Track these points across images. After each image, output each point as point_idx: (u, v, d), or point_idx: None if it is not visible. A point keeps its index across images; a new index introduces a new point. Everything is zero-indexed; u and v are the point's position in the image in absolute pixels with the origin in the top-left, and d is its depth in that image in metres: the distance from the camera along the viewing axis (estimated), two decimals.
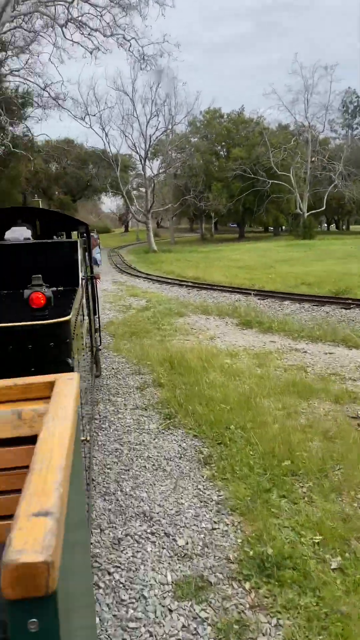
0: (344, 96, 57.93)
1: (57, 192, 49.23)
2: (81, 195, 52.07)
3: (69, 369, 2.51)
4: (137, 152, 41.92)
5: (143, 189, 55.96)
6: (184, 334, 9.10)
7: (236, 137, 58.12)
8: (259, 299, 12.37)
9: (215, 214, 63.98)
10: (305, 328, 8.89)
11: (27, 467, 0.98)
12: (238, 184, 54.21)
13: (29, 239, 4.49)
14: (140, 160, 42.22)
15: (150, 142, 41.01)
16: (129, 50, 26.10)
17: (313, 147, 52.85)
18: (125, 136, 40.55)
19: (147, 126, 41.05)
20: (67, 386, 1.24)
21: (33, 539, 0.58)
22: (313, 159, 51.72)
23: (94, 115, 39.25)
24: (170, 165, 44.73)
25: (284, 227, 70.48)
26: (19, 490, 0.94)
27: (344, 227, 76.83)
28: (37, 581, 0.54)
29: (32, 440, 1.10)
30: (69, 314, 2.57)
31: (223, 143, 60.45)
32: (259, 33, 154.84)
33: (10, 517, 0.95)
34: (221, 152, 60.99)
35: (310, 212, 52.23)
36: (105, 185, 46.86)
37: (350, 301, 10.72)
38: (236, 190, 53.63)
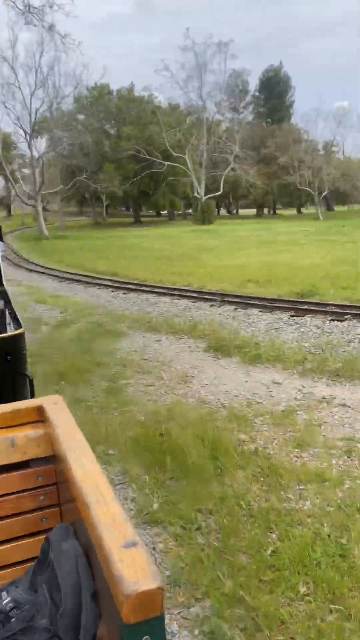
0: (229, 79, 56.59)
1: None
2: None
3: (27, 379, 2.47)
4: (21, 127, 37.02)
5: (27, 170, 50.73)
6: (140, 371, 6.13)
7: (127, 116, 54.63)
8: (211, 305, 9.65)
9: (108, 197, 60.27)
10: (308, 356, 6.35)
11: (22, 491, 1.16)
12: (132, 166, 50.99)
13: None
14: (25, 137, 37.39)
15: (35, 116, 36.36)
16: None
17: (208, 127, 51.12)
18: (6, 108, 35.25)
19: (31, 98, 36.29)
20: (59, 410, 1.24)
21: (141, 569, 0.66)
22: (209, 141, 49.96)
23: None
24: (57, 145, 40.26)
25: (179, 212, 68.68)
26: (15, 515, 1.14)
27: (235, 212, 76.84)
28: (154, 605, 0.63)
29: (25, 465, 1.20)
30: (20, 326, 2.56)
31: (113, 121, 56.62)
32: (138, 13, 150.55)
33: (8, 541, 1.15)
34: (111, 131, 57.16)
35: (208, 196, 50.62)
36: None
37: (335, 309, 8.36)
38: (130, 172, 50.36)
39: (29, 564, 1.13)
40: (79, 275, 15.97)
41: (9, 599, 0.98)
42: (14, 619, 0.93)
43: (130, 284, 13.35)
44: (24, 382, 2.53)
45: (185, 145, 50.27)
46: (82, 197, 74.56)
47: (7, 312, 3.18)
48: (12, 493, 1.18)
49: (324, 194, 54.82)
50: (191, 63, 54.64)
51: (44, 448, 1.23)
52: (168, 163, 49.38)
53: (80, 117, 52.53)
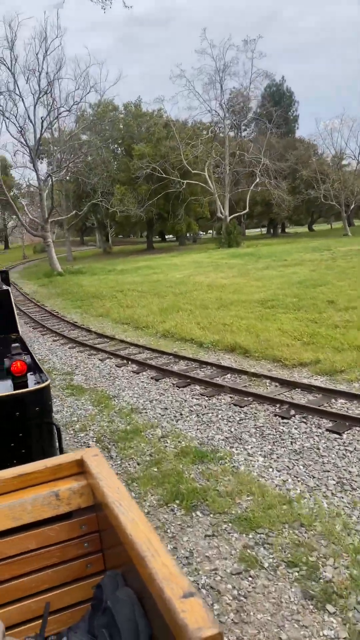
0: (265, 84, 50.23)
1: None
2: None
3: (54, 427, 2.58)
4: (24, 143, 30.37)
5: (24, 200, 44.17)
6: None
7: (136, 133, 48.40)
8: None
9: (116, 223, 53.81)
10: None
11: (67, 541, 1.22)
12: (146, 186, 44.47)
13: None
14: (30, 155, 30.68)
15: (42, 128, 29.70)
16: None
17: (230, 139, 44.96)
18: (6, 118, 28.66)
19: (35, 108, 29.70)
20: (99, 462, 1.27)
21: (201, 617, 0.72)
22: (233, 154, 43.64)
23: None
24: (61, 167, 33.62)
25: (189, 235, 62.27)
26: (63, 563, 1.21)
27: (279, 231, 69.84)
28: None
29: (68, 516, 1.24)
30: (47, 379, 2.63)
31: (120, 141, 50.39)
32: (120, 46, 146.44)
33: (58, 587, 1.21)
34: (119, 150, 50.91)
35: (233, 216, 44.15)
36: None
37: None
38: (145, 194, 43.82)
39: (77, 608, 1.19)
40: (168, 354, 8.95)
41: None
42: None
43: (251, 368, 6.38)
44: (52, 430, 2.59)
45: (204, 161, 43.94)
46: (83, 225, 68.38)
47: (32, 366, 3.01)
48: (59, 543, 1.22)
49: (352, 207, 48.68)
50: (209, 68, 48.47)
51: (86, 498, 1.26)
52: (187, 181, 42.93)
53: (83, 137, 46.17)
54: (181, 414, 6.05)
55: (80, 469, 1.32)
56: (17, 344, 2.91)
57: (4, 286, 4.74)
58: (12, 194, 31.93)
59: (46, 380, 2.63)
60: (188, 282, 19.15)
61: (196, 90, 49.70)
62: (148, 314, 12.95)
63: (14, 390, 2.56)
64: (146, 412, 6.25)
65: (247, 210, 44.77)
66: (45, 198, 31.03)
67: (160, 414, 6.15)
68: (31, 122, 29.50)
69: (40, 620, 1.17)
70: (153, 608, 0.86)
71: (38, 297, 21.05)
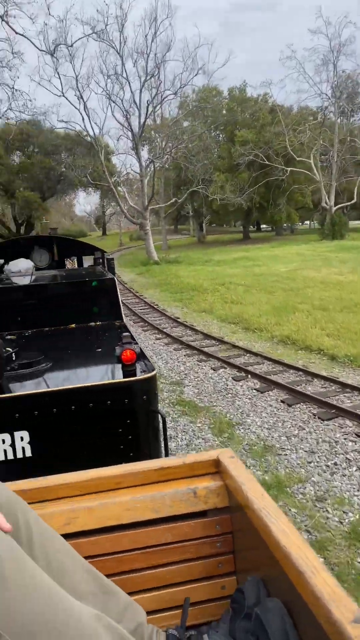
0: None
1: (21, 188, 36.58)
2: (52, 191, 39.52)
3: (159, 416, 2.61)
4: (128, 128, 29.77)
5: (122, 187, 44.02)
6: None
7: (240, 118, 46.45)
8: None
9: (212, 212, 52.43)
10: None
11: (201, 538, 1.24)
12: (247, 174, 42.52)
13: (31, 268, 4.80)
14: (134, 141, 30.03)
15: (147, 112, 28.86)
16: None
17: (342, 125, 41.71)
18: (112, 102, 28.10)
19: (141, 92, 28.90)
20: (235, 463, 1.28)
21: None
22: (343, 141, 40.44)
23: (67, 45, 26.00)
24: (163, 154, 32.65)
25: (286, 225, 59.40)
26: (196, 559, 1.24)
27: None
28: None
29: (203, 514, 1.25)
30: (154, 369, 2.66)
31: (222, 127, 48.68)
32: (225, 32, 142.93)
33: (192, 582, 1.23)
34: (220, 137, 49.27)
35: (338, 206, 41.04)
36: (84, 176, 34.49)
37: None
38: (245, 182, 41.89)
39: (209, 604, 1.22)
40: (296, 369, 7.42)
41: None
42: None
43: None
44: (157, 418, 2.63)
45: (310, 147, 41.13)
46: (178, 214, 67.80)
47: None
48: (195, 539, 1.25)
49: None
50: (323, 49, 45.20)
51: (222, 499, 1.27)
52: (291, 169, 40.43)
53: (185, 123, 45.00)
54: (335, 464, 4.51)
55: (216, 468, 1.33)
56: (127, 333, 3.02)
57: (109, 275, 4.68)
58: (113, 180, 31.57)
59: (153, 370, 2.67)
60: (296, 277, 17.32)
61: (307, 73, 46.58)
62: (259, 314, 11.43)
63: (123, 378, 2.60)
64: (285, 454, 4.78)
65: (355, 200, 41.36)
66: (146, 185, 30.30)
67: (305, 459, 4.66)
68: (137, 106, 28.77)
69: (176, 611, 1.20)
70: (309, 625, 0.85)
71: (136, 287, 20.23)
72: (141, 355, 2.89)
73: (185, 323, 11.60)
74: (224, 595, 1.24)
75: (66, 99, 28.88)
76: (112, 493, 1.28)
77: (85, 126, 28.89)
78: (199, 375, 7.49)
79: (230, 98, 48.66)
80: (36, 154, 37.33)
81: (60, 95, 28.69)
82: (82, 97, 28.29)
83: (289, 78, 68.88)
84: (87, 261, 6.19)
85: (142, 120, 28.98)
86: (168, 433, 2.93)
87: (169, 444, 2.95)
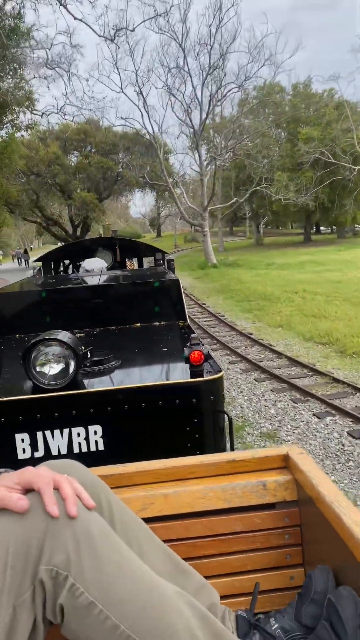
0: None
1: (78, 189, 35.67)
2: (109, 192, 38.46)
3: (226, 416, 2.67)
4: (188, 125, 28.05)
5: (178, 190, 42.42)
6: None
7: (304, 115, 43.85)
8: None
9: (273, 212, 49.91)
10: None
11: (270, 529, 1.28)
12: (310, 173, 39.88)
13: (103, 268, 4.97)
14: (194, 138, 28.29)
15: (209, 107, 26.93)
16: None
17: None
18: (172, 96, 26.42)
19: (203, 86, 27.08)
20: (304, 459, 1.30)
21: None
22: None
23: (125, 34, 24.43)
24: (225, 151, 30.69)
25: (348, 228, 56.02)
26: (265, 549, 1.27)
27: None
28: None
29: (271, 506, 1.29)
30: (221, 370, 2.71)
31: (284, 125, 46.14)
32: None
33: (261, 570, 1.27)
34: (283, 135, 46.77)
35: None
36: (142, 176, 33.10)
37: None
38: (309, 181, 39.27)
39: (277, 594, 1.24)
40: None
41: (277, 625, 1.08)
42: None
43: None
44: (223, 419, 2.67)
45: None
46: (234, 216, 65.64)
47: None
48: (264, 530, 1.28)
49: None
50: None
51: (291, 492, 1.29)
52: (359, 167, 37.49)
53: (246, 121, 42.83)
54: None
55: (284, 463, 1.36)
56: (195, 335, 3.04)
57: (173, 275, 4.65)
58: (171, 180, 30.01)
59: (220, 372, 2.69)
60: None
61: None
62: (354, 333, 9.32)
63: (191, 378, 2.61)
64: None
65: None
66: (205, 184, 28.51)
67: None
68: (198, 101, 27.01)
69: (245, 597, 1.22)
70: None
71: (197, 293, 18.44)
72: (208, 357, 2.88)
73: (261, 341, 9.67)
74: (292, 586, 1.25)
75: (125, 95, 27.64)
76: (185, 482, 1.32)
77: (144, 123, 27.41)
78: (298, 425, 5.56)
79: (293, 94, 46.07)
80: (93, 154, 36.31)
81: (119, 92, 27.43)
82: (141, 93, 26.83)
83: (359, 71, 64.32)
84: (147, 262, 6.27)
85: (204, 115, 27.16)
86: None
87: (234, 444, 2.90)
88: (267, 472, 1.35)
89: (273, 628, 1.08)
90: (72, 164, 37.21)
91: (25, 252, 45.26)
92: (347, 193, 40.37)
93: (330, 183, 39.26)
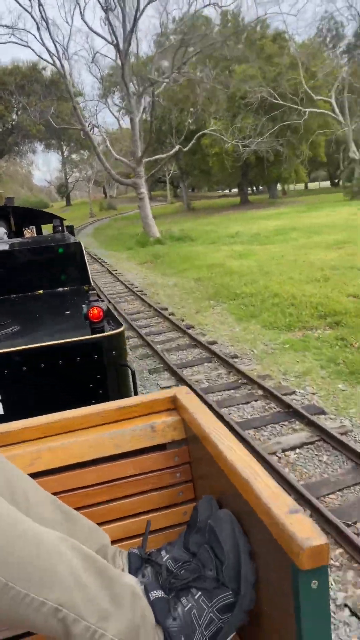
0: None
1: None
2: (2, 146, 28.42)
3: (129, 369, 2.68)
4: (110, 40, 19.06)
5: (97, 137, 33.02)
6: None
7: (235, 51, 35.84)
8: None
9: (202, 172, 42.12)
10: None
11: (161, 469, 1.29)
12: (250, 119, 32.32)
13: (1, 237, 4.72)
14: (119, 60, 19.43)
15: (137, 14, 18.07)
16: None
17: None
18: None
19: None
20: (191, 399, 1.32)
21: (309, 529, 0.77)
22: None
23: None
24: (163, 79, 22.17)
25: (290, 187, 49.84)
26: (158, 489, 1.28)
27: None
28: (323, 556, 0.75)
29: (162, 447, 1.31)
30: (122, 325, 2.70)
31: (209, 62, 37.79)
32: None
33: (155, 510, 1.28)
34: (211, 75, 38.50)
35: None
36: (44, 122, 23.74)
37: None
38: (251, 129, 31.70)
39: (171, 530, 1.28)
40: None
41: (168, 556, 1.11)
42: (183, 571, 1.05)
43: None
44: (127, 373, 2.69)
45: (330, 83, 31.43)
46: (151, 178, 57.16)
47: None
48: (155, 471, 1.29)
49: None
50: None
51: (179, 432, 1.32)
52: (310, 110, 30.65)
53: (165, 63, 34.03)
54: None
55: (173, 405, 1.37)
56: (94, 292, 2.93)
57: (74, 239, 4.40)
58: (87, 124, 21.14)
59: (121, 326, 2.65)
60: None
61: None
62: None
63: (91, 335, 2.54)
64: None
65: None
66: (137, 126, 19.99)
67: None
68: (119, 4, 18.06)
69: (139, 539, 1.22)
70: (254, 526, 0.93)
71: (164, 298, 10.41)
72: (108, 313, 2.84)
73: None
74: (185, 521, 1.25)
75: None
76: (75, 433, 1.30)
77: (42, 39, 17.99)
78: None
79: (222, 25, 37.72)
80: None
81: None
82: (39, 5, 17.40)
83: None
84: (47, 230, 5.80)
85: (130, 23, 18.32)
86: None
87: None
88: (157, 414, 1.34)
89: (164, 560, 1.10)
90: None
91: None
92: (297, 141, 33.45)
93: (279, 130, 31.99)
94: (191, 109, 37.49)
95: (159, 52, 22.75)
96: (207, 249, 16.85)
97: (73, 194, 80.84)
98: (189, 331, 7.26)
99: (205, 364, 5.93)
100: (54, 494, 1.15)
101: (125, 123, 41.06)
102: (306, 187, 63.13)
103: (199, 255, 15.41)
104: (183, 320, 8.11)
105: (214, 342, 6.73)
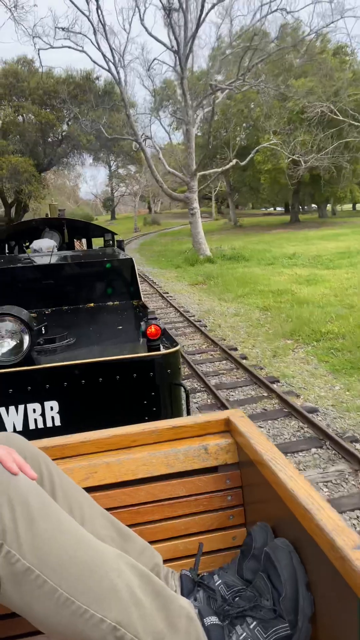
0: None
1: (8, 154, 24.63)
2: (52, 157, 27.59)
3: (183, 388, 2.60)
4: (170, 45, 17.73)
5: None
6: None
7: (296, 64, 34.20)
8: None
9: (250, 189, 40.46)
10: None
11: (212, 492, 1.25)
12: (307, 135, 30.49)
13: (54, 248, 4.64)
14: (179, 66, 18.06)
15: (200, 16, 16.63)
16: None
17: None
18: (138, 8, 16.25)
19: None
20: (245, 423, 1.29)
21: None
22: None
23: None
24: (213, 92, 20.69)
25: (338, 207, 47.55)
26: (209, 511, 1.25)
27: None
28: None
29: (214, 469, 1.27)
30: (177, 344, 2.64)
31: (269, 77, 36.31)
32: None
33: (205, 532, 1.25)
34: (268, 90, 37.00)
35: None
36: (94, 132, 22.68)
37: None
38: (308, 144, 29.85)
39: (221, 553, 1.24)
40: None
41: (220, 581, 1.07)
42: (238, 598, 1.02)
43: None
44: (180, 392, 2.63)
45: None
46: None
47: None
48: (206, 492, 1.26)
49: None
50: None
51: (232, 455, 1.29)
52: None
53: (218, 77, 32.66)
54: None
55: (226, 428, 1.34)
56: (152, 310, 2.90)
57: (127, 255, 4.42)
58: (141, 135, 19.84)
59: (176, 345, 2.61)
60: None
61: None
62: None
63: (148, 352, 2.53)
64: None
65: None
66: (193, 137, 18.53)
67: None
68: (180, 7, 16.67)
69: (190, 559, 1.20)
70: (314, 557, 0.90)
71: (228, 332, 8.65)
72: (164, 332, 2.77)
73: None
74: (235, 545, 1.25)
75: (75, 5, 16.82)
76: (128, 450, 1.29)
77: (98, 44, 16.84)
78: None
79: (280, 38, 36.25)
80: (28, 105, 25.33)
81: None
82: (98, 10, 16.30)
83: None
84: (96, 243, 5.99)
85: (193, 27, 16.92)
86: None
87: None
88: (209, 436, 1.32)
89: (216, 584, 1.07)
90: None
91: None
92: (354, 160, 31.34)
93: (337, 147, 30.00)
94: (243, 124, 36.07)
95: (220, 59, 21.23)
96: (266, 271, 15.06)
97: (117, 208, 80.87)
98: (275, 387, 5.46)
99: (314, 449, 4.10)
100: (106, 509, 1.13)
101: (176, 138, 40.02)
102: (354, 207, 60.47)
103: (258, 278, 13.63)
104: (262, 369, 6.32)
105: (313, 410, 4.90)
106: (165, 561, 1.18)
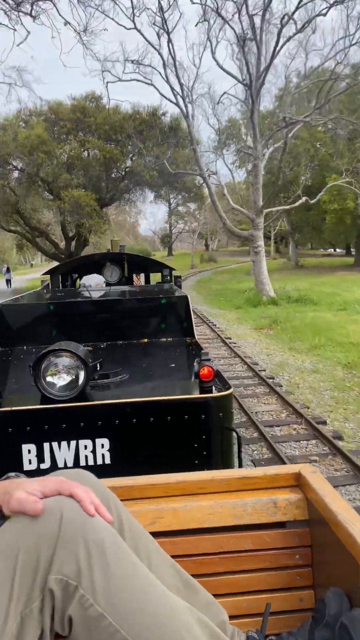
0: None
1: (71, 188, 24.56)
2: (114, 192, 27.36)
3: (235, 434, 2.51)
4: (242, 79, 16.93)
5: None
6: None
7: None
8: None
9: (313, 229, 38.94)
10: None
11: (279, 549, 1.18)
12: None
13: (102, 284, 4.91)
14: (250, 99, 17.16)
15: (275, 48, 15.76)
16: None
17: None
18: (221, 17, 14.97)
19: (264, 14, 15.78)
20: (317, 478, 1.22)
21: None
22: None
23: None
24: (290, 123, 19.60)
25: None
26: (274, 569, 1.18)
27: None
28: None
29: (281, 525, 1.19)
30: (230, 387, 2.56)
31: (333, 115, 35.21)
32: None
33: (270, 591, 1.17)
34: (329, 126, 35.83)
35: None
36: (157, 168, 22.16)
37: None
38: None
39: (287, 615, 1.16)
40: None
41: None
42: None
43: None
44: (231, 436, 2.53)
45: None
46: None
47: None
48: (274, 549, 1.20)
49: None
50: None
51: (302, 511, 1.22)
52: None
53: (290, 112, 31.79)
54: None
55: (296, 482, 1.27)
56: (205, 350, 2.76)
57: (182, 292, 4.38)
58: (206, 171, 19.06)
59: (229, 388, 2.53)
60: None
61: None
62: None
63: (200, 394, 2.46)
64: None
65: None
66: (261, 173, 17.41)
67: None
68: (255, 38, 15.88)
69: (254, 618, 1.15)
70: None
71: (310, 395, 7.08)
72: (217, 374, 2.69)
73: None
74: (302, 608, 1.18)
75: (139, 32, 16.53)
76: (195, 497, 1.25)
77: (167, 76, 16.33)
78: None
79: (352, 79, 35.20)
80: (93, 139, 25.37)
81: (131, 28, 16.50)
82: (165, 25, 15.87)
83: None
84: (154, 279, 5.93)
85: (268, 58, 16.08)
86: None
87: (243, 463, 2.69)
88: (279, 490, 1.27)
89: None
90: (64, 154, 26.28)
91: (8, 270, 34.14)
92: None
93: None
94: (309, 164, 34.90)
95: (293, 93, 20.29)
96: (339, 318, 13.37)
97: (174, 244, 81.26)
98: None
99: None
100: (171, 556, 1.09)
101: (238, 176, 39.33)
102: None
103: (332, 326, 11.98)
104: None
105: None
106: (232, 617, 1.13)
